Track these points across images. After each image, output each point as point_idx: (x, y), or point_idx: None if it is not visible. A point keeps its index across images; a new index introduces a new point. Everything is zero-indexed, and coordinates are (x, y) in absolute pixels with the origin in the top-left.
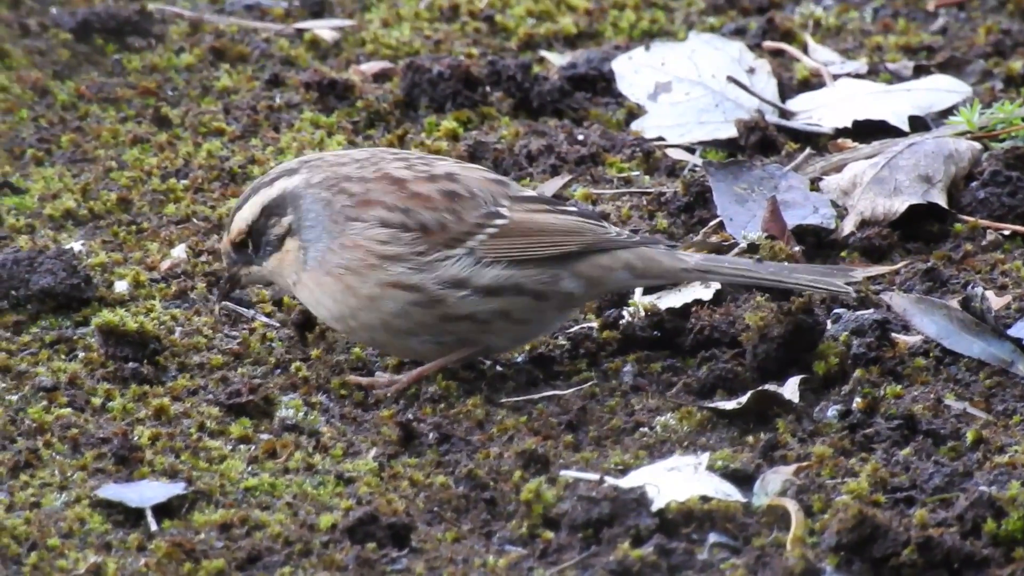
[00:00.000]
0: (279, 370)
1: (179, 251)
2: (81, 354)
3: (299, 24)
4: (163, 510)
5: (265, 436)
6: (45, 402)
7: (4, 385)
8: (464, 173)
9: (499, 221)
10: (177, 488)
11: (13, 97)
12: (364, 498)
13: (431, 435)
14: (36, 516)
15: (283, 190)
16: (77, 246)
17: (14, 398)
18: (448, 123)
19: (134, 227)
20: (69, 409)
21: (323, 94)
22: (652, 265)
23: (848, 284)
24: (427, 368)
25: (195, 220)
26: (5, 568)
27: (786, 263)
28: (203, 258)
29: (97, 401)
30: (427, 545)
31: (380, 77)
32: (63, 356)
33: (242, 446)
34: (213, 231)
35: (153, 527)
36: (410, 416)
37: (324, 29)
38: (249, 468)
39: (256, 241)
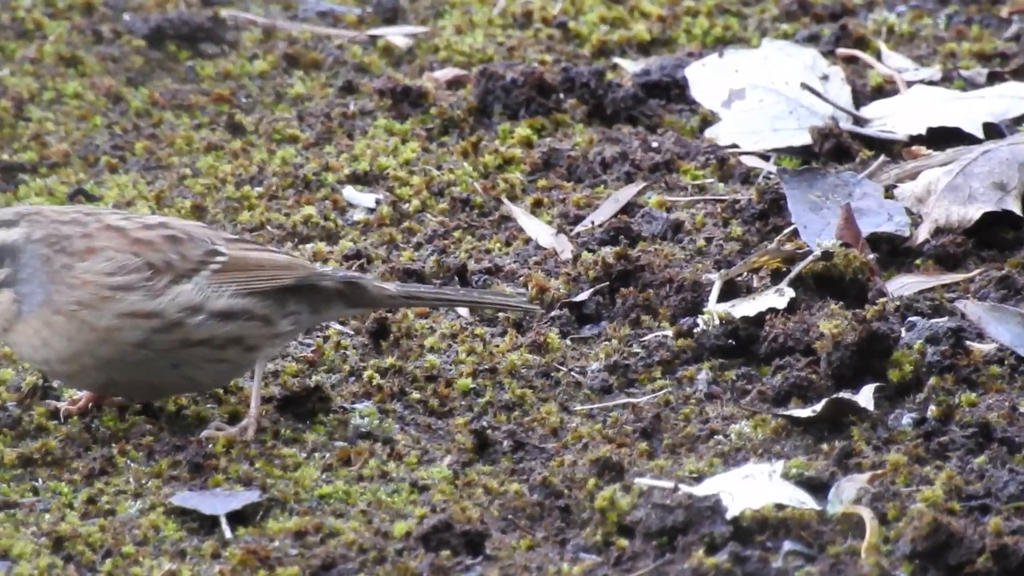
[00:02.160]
0: (353, 378)
1: None
2: None
3: (372, 31)
4: (237, 517)
5: (339, 444)
6: (120, 410)
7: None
8: (175, 220)
9: (220, 258)
10: (252, 495)
11: (87, 104)
12: (438, 506)
13: (505, 443)
14: (111, 523)
15: (3, 242)
16: None
17: (89, 405)
18: (522, 130)
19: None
20: (143, 416)
21: (397, 101)
22: (362, 295)
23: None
24: (256, 406)
25: (269, 227)
26: (81, 575)
27: (475, 287)
28: None
29: (171, 408)
30: (501, 553)
31: (454, 84)
32: None
33: (316, 454)
34: (287, 238)
35: (227, 534)
36: (484, 424)
37: (397, 36)
38: (323, 476)
39: None
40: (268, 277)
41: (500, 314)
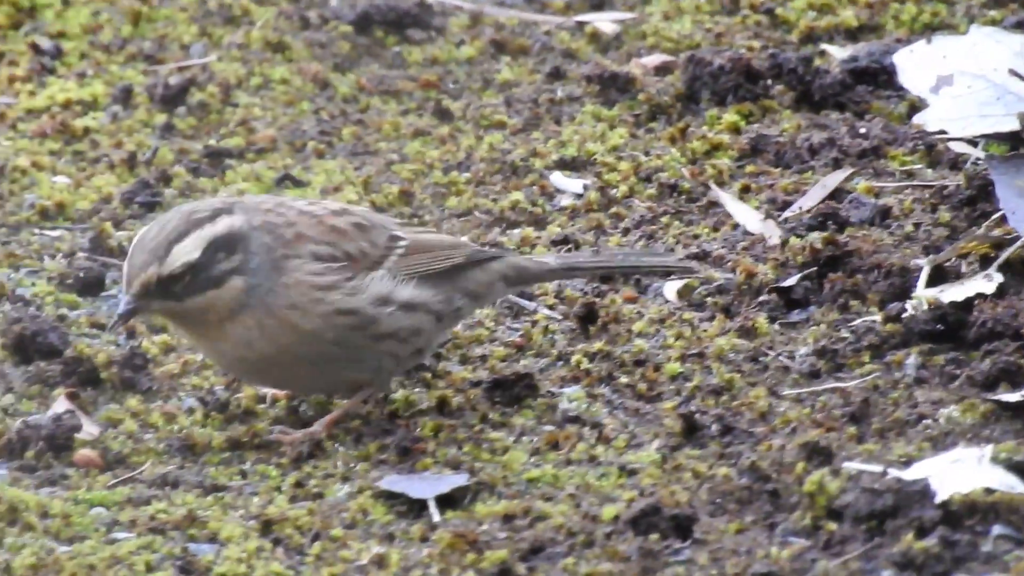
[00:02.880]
0: (561, 362)
1: None
2: None
3: (580, 17)
4: (446, 501)
5: (548, 428)
6: (327, 394)
7: None
8: (353, 207)
9: (402, 242)
10: (460, 479)
11: (294, 90)
12: (647, 489)
13: (714, 427)
14: (319, 507)
15: (230, 228)
16: None
17: None
18: (729, 116)
19: (416, 220)
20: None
21: (604, 87)
22: (522, 272)
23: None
24: (334, 417)
25: (477, 213)
26: (288, 558)
27: (633, 249)
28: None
29: (379, 393)
30: (710, 536)
31: (661, 70)
32: None
33: (524, 437)
34: (495, 224)
35: (436, 518)
36: (693, 408)
37: (605, 22)
38: (532, 459)
39: (195, 277)
40: (443, 258)
41: (663, 276)
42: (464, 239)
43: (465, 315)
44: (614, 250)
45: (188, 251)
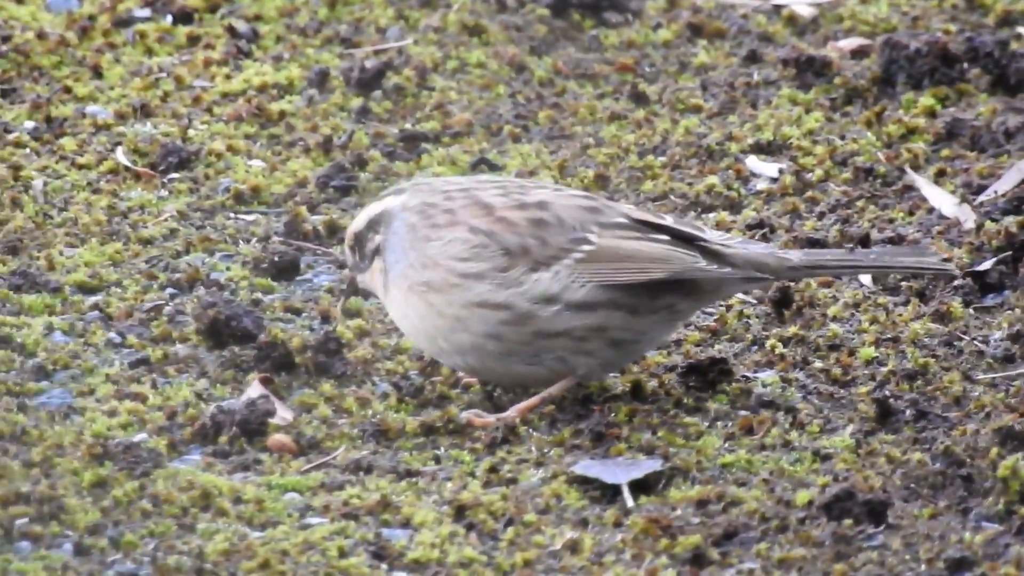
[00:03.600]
0: (755, 347)
1: None
2: None
3: (776, 0)
4: (639, 486)
5: (742, 412)
6: None
7: None
8: (557, 200)
9: (586, 247)
10: (654, 464)
11: (490, 73)
12: (840, 474)
13: (907, 412)
14: (513, 492)
15: (385, 208)
16: None
17: None
18: (925, 100)
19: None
20: None
21: (800, 71)
22: (760, 268)
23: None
24: (529, 403)
25: (672, 197)
26: (482, 543)
27: (887, 248)
28: None
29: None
30: (903, 521)
31: (857, 54)
32: None
33: (718, 422)
34: (690, 208)
35: (629, 503)
36: (887, 393)
37: (801, 5)
38: (725, 444)
39: (360, 252)
40: (636, 270)
41: (913, 279)
42: (679, 254)
43: (687, 312)
44: (866, 251)
45: (355, 224)
